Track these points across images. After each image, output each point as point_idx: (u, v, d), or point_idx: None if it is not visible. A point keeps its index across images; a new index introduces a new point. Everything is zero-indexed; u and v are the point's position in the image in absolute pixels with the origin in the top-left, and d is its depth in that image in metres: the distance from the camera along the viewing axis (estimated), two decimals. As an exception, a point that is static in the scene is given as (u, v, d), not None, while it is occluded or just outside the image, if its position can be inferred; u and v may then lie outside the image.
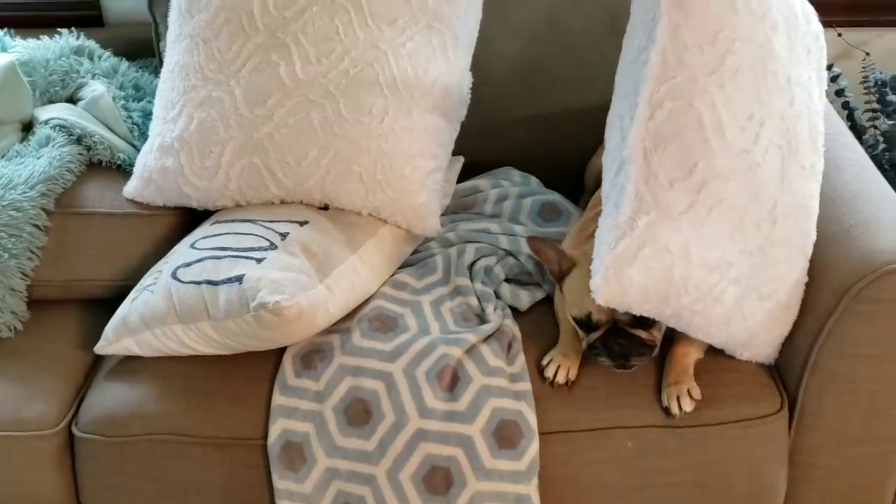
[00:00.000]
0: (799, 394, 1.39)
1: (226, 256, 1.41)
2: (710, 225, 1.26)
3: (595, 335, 1.38)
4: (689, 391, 1.38)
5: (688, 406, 1.37)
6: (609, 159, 1.34)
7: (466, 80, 1.68)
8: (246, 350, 1.42)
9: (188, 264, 1.43)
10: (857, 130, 1.98)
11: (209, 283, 1.38)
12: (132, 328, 1.42)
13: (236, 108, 1.53)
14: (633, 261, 1.25)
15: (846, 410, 1.39)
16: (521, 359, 1.44)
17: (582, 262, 1.40)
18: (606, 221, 1.29)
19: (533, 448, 1.36)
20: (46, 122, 1.65)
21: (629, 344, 1.36)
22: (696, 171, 1.25)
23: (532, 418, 1.38)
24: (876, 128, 1.96)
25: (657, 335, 1.39)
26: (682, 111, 1.26)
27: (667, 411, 1.38)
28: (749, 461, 1.40)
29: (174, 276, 1.42)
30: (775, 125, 1.30)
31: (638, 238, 1.24)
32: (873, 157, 1.64)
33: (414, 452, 1.35)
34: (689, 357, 1.42)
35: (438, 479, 1.35)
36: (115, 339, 1.44)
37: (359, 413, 1.37)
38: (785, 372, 1.43)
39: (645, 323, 1.36)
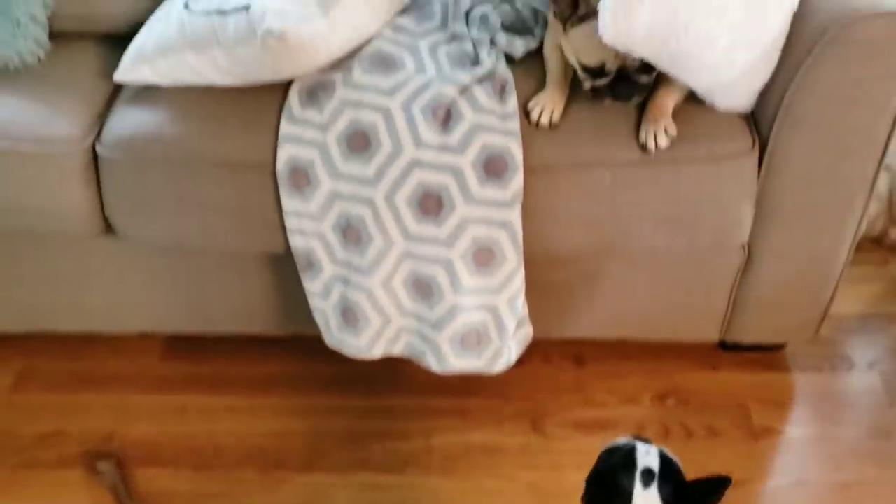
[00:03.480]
0: (770, 136, 1.48)
1: (234, -12, 1.48)
2: None
3: (603, 81, 1.46)
4: (665, 128, 1.47)
5: (663, 142, 1.46)
6: None
7: None
8: (255, 81, 1.51)
9: (199, -4, 1.50)
10: None
11: (219, 13, 1.46)
12: (148, 56, 1.51)
13: None
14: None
15: (815, 152, 1.48)
16: (512, 101, 1.52)
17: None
18: None
19: (517, 180, 1.47)
20: None
21: (633, 86, 1.47)
22: None
23: (518, 153, 1.47)
24: None
25: (652, 79, 1.48)
26: None
27: (643, 148, 1.48)
28: (719, 198, 1.51)
29: (186, 6, 1.49)
30: None
31: None
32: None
33: (408, 178, 1.47)
34: (669, 99, 1.49)
35: (431, 203, 1.48)
36: (132, 67, 1.54)
37: (359, 142, 1.48)
38: (759, 118, 1.51)
39: (647, 69, 1.44)
